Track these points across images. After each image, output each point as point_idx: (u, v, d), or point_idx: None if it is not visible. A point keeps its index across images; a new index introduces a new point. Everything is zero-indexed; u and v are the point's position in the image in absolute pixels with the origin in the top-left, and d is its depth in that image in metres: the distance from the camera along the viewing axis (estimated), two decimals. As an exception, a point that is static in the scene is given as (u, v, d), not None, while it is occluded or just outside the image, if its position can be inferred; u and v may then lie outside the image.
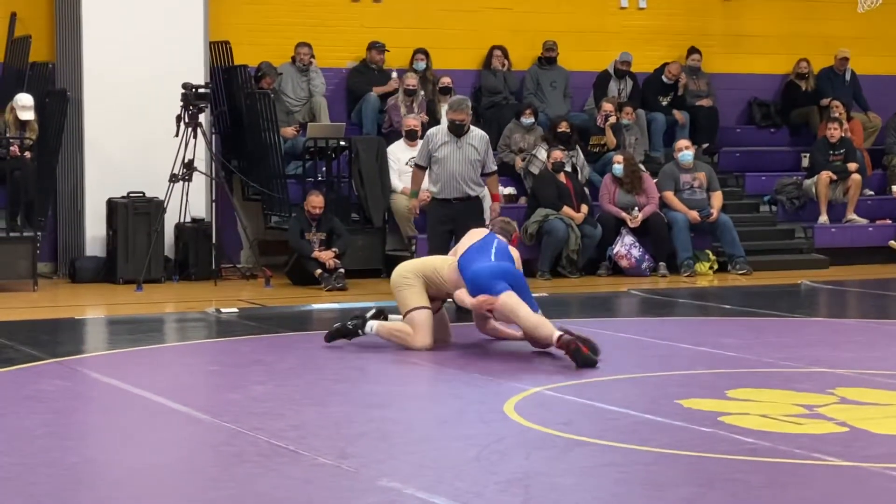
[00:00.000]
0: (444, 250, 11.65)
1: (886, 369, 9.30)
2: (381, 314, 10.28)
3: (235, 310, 12.43)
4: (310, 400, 8.33)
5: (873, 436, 7.28)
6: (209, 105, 15.09)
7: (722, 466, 6.64)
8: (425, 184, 12.84)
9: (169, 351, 10.53)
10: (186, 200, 14.80)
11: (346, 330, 10.18)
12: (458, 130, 12.16)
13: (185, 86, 14.62)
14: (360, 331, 10.15)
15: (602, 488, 6.29)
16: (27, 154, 14.52)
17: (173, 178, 14.59)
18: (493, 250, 9.97)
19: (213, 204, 15.24)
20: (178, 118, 14.59)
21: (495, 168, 12.55)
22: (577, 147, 16.51)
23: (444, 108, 16.72)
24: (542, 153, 16.05)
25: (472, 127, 12.37)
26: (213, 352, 10.60)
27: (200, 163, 14.87)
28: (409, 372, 9.35)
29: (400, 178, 15.69)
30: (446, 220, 12.25)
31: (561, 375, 9.11)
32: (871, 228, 17.35)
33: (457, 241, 11.76)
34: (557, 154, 15.89)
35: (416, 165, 12.69)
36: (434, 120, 16.58)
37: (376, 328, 10.13)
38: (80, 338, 11.36)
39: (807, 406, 8.01)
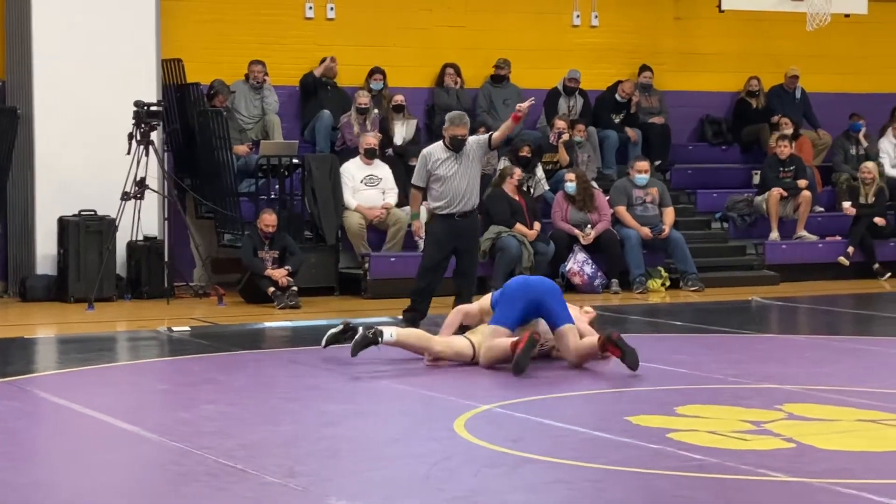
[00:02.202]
0: (442, 266, 12.13)
1: (834, 385, 9.38)
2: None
3: (187, 328, 12.40)
4: (260, 419, 8.32)
5: (819, 451, 7.34)
6: (161, 123, 15.05)
7: (669, 483, 6.68)
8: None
9: (119, 370, 10.48)
10: (139, 218, 14.77)
11: (367, 340, 9.91)
12: (459, 146, 12.11)
13: (136, 104, 14.59)
14: (379, 338, 9.91)
15: (550, 505, 6.33)
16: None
17: (125, 196, 14.56)
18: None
19: (166, 222, 15.21)
20: (130, 136, 14.55)
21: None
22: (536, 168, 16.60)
23: (396, 126, 16.83)
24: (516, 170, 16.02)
25: (469, 137, 12.31)
26: (164, 370, 10.57)
27: (153, 181, 14.83)
28: (361, 390, 9.35)
29: (354, 195, 15.71)
30: (451, 237, 12.19)
31: (511, 392, 9.13)
32: (821, 245, 17.48)
33: (458, 260, 12.06)
34: (519, 173, 15.92)
35: (415, 186, 12.52)
36: (387, 137, 16.62)
37: (396, 336, 10.02)
38: (29, 357, 11.29)
39: (754, 422, 8.07)
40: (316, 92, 17.01)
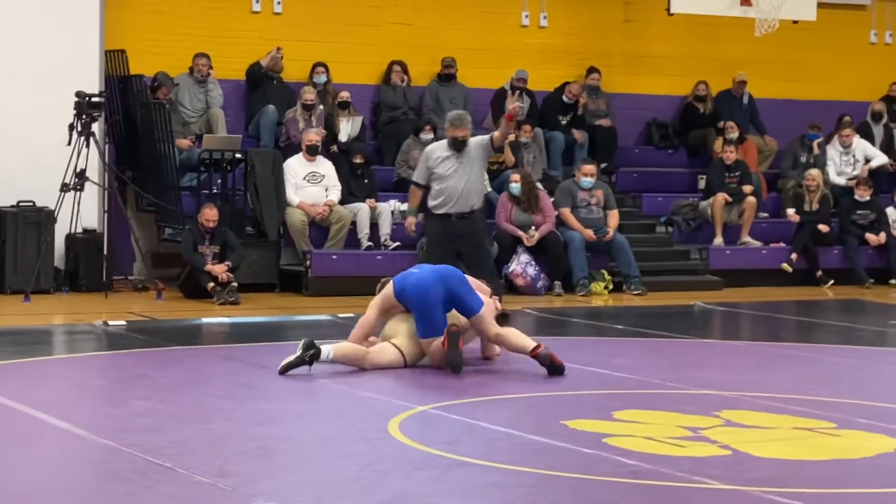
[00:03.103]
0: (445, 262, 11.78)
1: (772, 392, 9.34)
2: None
3: (123, 322, 12.23)
4: (192, 416, 8.20)
5: (755, 459, 7.28)
6: (103, 114, 14.87)
7: (602, 489, 6.61)
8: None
9: (53, 364, 10.32)
10: (78, 211, 14.57)
11: (302, 362, 9.61)
12: (460, 147, 12.04)
13: (78, 94, 14.41)
14: (319, 356, 9.63)
15: (481, 510, 6.24)
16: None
17: (64, 188, 14.37)
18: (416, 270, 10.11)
19: (106, 215, 15.02)
20: (71, 127, 14.37)
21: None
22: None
23: (341, 122, 16.71)
24: None
25: (472, 139, 12.20)
26: (98, 365, 10.42)
27: (93, 172, 14.65)
28: (296, 389, 9.23)
29: (296, 192, 15.58)
30: (450, 238, 12.15)
31: (448, 394, 9.05)
32: (765, 251, 17.49)
33: (465, 262, 11.99)
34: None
35: (415, 184, 12.47)
36: (332, 134, 16.49)
37: (333, 353, 9.75)
38: None
39: (691, 428, 8.01)
40: (261, 86, 16.86)
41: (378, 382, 9.42)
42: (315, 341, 9.61)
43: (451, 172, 12.04)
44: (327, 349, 9.62)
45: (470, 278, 10.15)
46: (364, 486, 6.53)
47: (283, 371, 9.47)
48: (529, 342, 9.95)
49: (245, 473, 6.73)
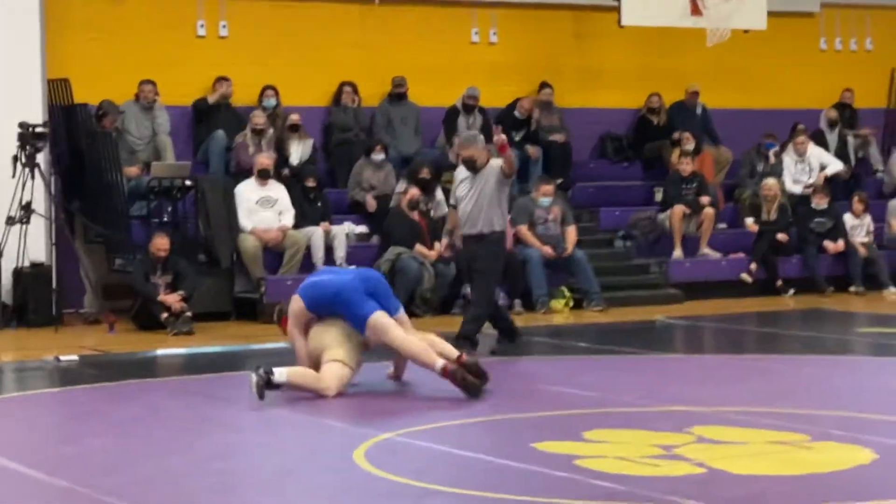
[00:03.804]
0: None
1: (743, 405, 9.14)
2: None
3: (75, 357, 11.93)
4: (150, 452, 7.91)
5: (731, 476, 7.08)
6: (47, 145, 14.56)
7: (579, 514, 6.39)
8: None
9: (1, 403, 9.97)
10: (25, 244, 14.26)
11: (263, 380, 9.39)
12: (471, 167, 11.82)
13: (21, 125, 14.13)
14: (271, 377, 9.38)
15: (454, 541, 5.99)
16: None
17: (10, 221, 14.07)
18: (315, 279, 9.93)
19: (54, 247, 14.69)
20: (15, 158, 14.08)
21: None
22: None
23: (292, 146, 16.47)
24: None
25: (492, 161, 11.88)
26: (49, 402, 10.12)
27: (39, 204, 14.35)
28: (256, 419, 8.96)
29: (249, 217, 15.31)
30: (467, 258, 11.99)
31: (413, 419, 8.83)
32: (724, 262, 17.34)
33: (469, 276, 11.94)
34: (414, 192, 15.65)
35: (450, 206, 12.41)
36: (283, 158, 16.24)
37: (287, 376, 9.50)
38: None
39: (664, 446, 7.80)
40: (209, 113, 16.59)
41: (340, 409, 9.18)
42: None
43: (465, 194, 11.87)
44: (280, 370, 9.39)
45: None
46: (332, 521, 6.28)
47: (261, 396, 9.28)
48: (436, 359, 9.61)
49: (209, 511, 6.47)
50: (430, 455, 7.77)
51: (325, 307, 9.70)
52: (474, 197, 11.80)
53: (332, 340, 9.62)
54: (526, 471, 7.25)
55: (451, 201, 12.31)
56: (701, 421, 8.61)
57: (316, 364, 9.69)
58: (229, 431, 8.51)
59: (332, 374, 9.56)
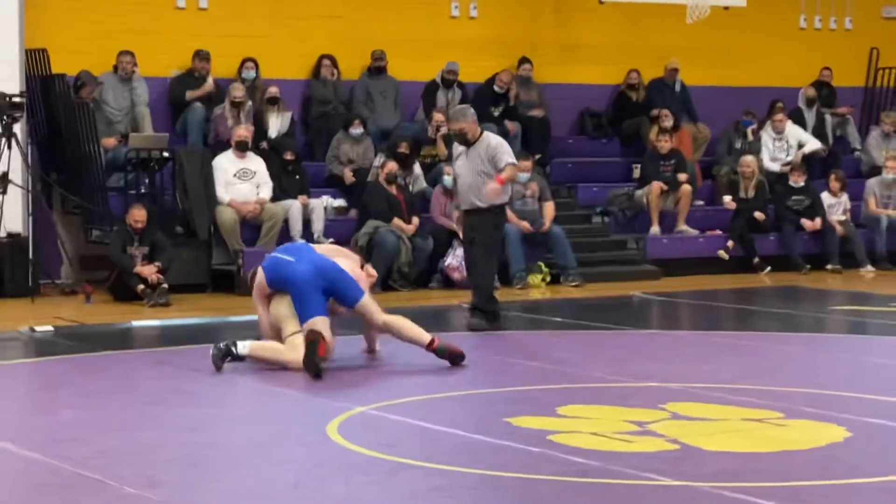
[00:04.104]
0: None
1: (717, 382, 9.16)
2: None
3: (51, 328, 11.87)
4: (120, 424, 7.88)
5: (704, 453, 7.09)
6: (24, 115, 14.47)
7: (549, 488, 6.39)
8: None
9: (-25, 373, 9.95)
10: (1, 214, 14.19)
11: (223, 352, 9.52)
12: (461, 140, 11.82)
13: (-2, 94, 14.04)
14: (232, 349, 9.51)
15: (425, 515, 5.98)
16: None
17: (-13, 191, 14.00)
18: (279, 255, 9.92)
19: (30, 218, 14.63)
20: (-8, 128, 14.00)
21: (508, 161, 11.70)
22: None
23: (271, 118, 16.40)
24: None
25: (486, 134, 11.92)
26: (21, 373, 10.07)
27: (16, 175, 14.26)
28: (228, 392, 8.95)
29: (227, 189, 15.25)
30: (467, 229, 11.99)
31: (388, 393, 8.82)
32: (701, 239, 17.35)
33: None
34: (392, 166, 15.61)
35: (454, 180, 12.40)
36: (260, 130, 16.18)
37: (249, 348, 9.58)
38: None
39: (638, 423, 7.81)
40: (187, 84, 16.52)
41: (314, 382, 9.15)
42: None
43: (459, 168, 11.90)
44: (244, 343, 9.46)
45: (351, 268, 9.91)
46: (302, 494, 6.27)
47: (218, 367, 9.34)
48: (424, 335, 9.82)
49: (176, 483, 6.46)
50: (403, 429, 7.77)
51: (281, 289, 9.70)
52: (468, 172, 11.79)
53: (289, 311, 9.60)
54: (499, 446, 7.25)
55: (453, 176, 12.31)
56: (675, 397, 8.62)
57: (277, 333, 9.70)
58: (201, 404, 8.48)
59: (295, 347, 9.54)
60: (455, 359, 9.77)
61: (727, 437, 7.47)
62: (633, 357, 10.64)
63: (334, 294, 9.62)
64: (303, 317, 9.47)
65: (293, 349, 9.49)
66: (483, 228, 11.79)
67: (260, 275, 9.87)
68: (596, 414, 8.13)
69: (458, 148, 12.07)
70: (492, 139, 11.94)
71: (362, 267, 10.29)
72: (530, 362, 10.14)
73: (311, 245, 10.23)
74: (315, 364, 9.20)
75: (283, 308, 9.63)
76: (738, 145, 18.62)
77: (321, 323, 9.43)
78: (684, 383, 9.16)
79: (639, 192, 17.44)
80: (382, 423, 7.94)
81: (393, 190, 15.55)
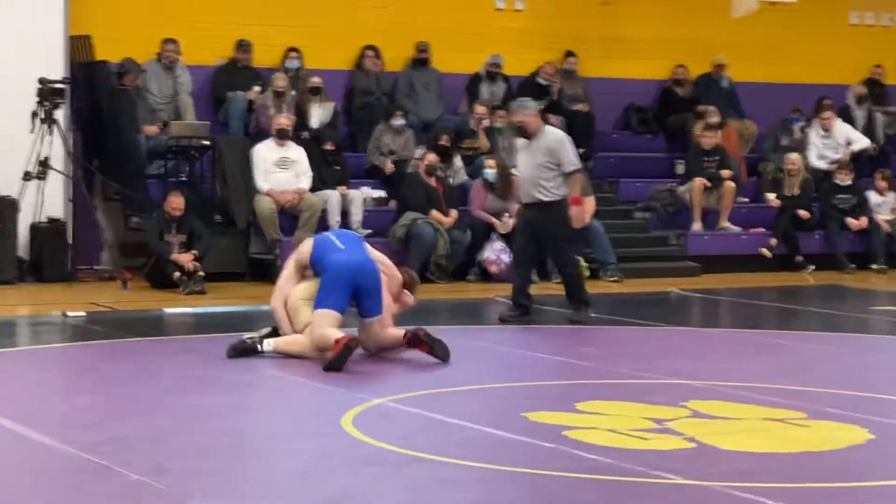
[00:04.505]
0: (523, 251, 12.00)
1: (745, 381, 9.04)
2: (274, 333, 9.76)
3: (83, 313, 11.90)
4: (137, 411, 7.87)
5: (720, 452, 6.99)
6: (66, 101, 14.51)
7: (558, 484, 6.32)
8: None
9: (2, 357, 9.95)
10: (42, 200, 14.25)
11: (245, 347, 9.55)
12: (521, 133, 11.80)
13: (40, 81, 14.13)
14: (258, 346, 9.52)
15: (429, 509, 5.93)
16: None
17: (27, 177, 14.05)
18: (334, 237, 9.88)
19: (70, 203, 14.69)
20: (34, 114, 14.05)
21: (571, 168, 11.74)
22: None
23: (313, 109, 16.39)
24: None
25: (548, 128, 11.94)
26: (48, 358, 10.08)
27: (57, 161, 14.32)
28: (250, 381, 8.91)
29: (266, 178, 15.25)
30: (526, 224, 11.98)
31: (406, 385, 8.77)
32: (744, 236, 17.21)
33: (540, 245, 11.89)
34: (431, 158, 15.58)
35: (514, 173, 12.42)
36: (302, 121, 16.18)
37: (273, 345, 9.56)
38: None
39: (657, 420, 7.71)
40: (230, 74, 16.54)
41: (336, 374, 9.09)
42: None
43: (521, 161, 11.87)
44: (268, 341, 9.43)
45: (386, 284, 9.80)
46: (306, 485, 6.23)
47: (231, 355, 9.36)
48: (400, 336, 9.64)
49: (183, 471, 6.43)
50: (419, 422, 7.71)
51: (317, 269, 9.65)
52: (529, 165, 11.75)
53: (310, 299, 9.54)
54: (512, 440, 7.19)
55: (514, 169, 12.30)
56: (698, 395, 8.52)
57: (287, 309, 9.68)
58: (221, 392, 8.44)
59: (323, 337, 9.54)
60: (434, 344, 9.50)
61: (745, 437, 7.36)
62: (663, 354, 10.53)
63: (359, 297, 9.51)
64: (321, 303, 9.39)
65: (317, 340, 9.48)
66: (549, 224, 11.75)
67: (307, 245, 9.81)
68: (615, 410, 8.04)
69: (520, 141, 11.99)
70: (555, 134, 11.94)
71: (400, 292, 10.13)
72: (556, 357, 10.06)
73: (366, 243, 10.02)
74: (338, 368, 9.13)
75: (306, 292, 9.57)
76: (784, 142, 18.46)
77: (330, 318, 9.35)
78: (710, 381, 9.04)
79: (681, 188, 17.32)
80: (398, 415, 7.88)
81: (432, 182, 15.51)
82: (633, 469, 6.52)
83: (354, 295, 9.48)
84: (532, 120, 11.81)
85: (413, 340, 9.50)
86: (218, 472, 6.44)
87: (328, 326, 9.27)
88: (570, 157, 11.78)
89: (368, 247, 9.96)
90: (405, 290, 10.08)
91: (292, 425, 7.59)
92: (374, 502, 5.99)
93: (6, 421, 7.40)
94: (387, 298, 9.74)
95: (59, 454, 6.68)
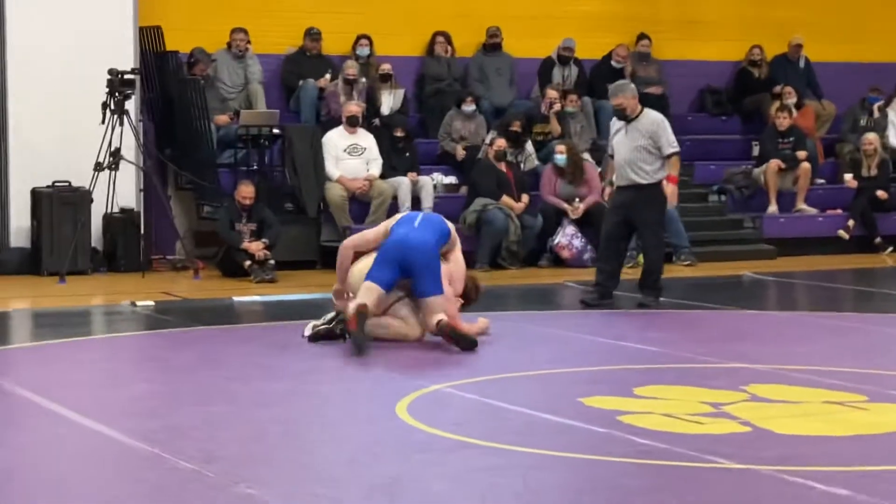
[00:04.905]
0: (613, 235, 11.87)
1: (809, 364, 8.92)
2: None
3: (151, 303, 11.99)
4: (194, 399, 7.92)
5: (774, 436, 6.91)
6: (137, 91, 14.61)
7: (607, 470, 6.27)
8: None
9: (66, 347, 9.98)
10: (114, 190, 14.36)
11: (332, 333, 9.60)
12: (620, 116, 11.81)
13: (111, 71, 14.18)
14: (346, 335, 9.52)
15: (472, 494, 5.88)
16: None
17: (98, 167, 14.16)
18: (420, 217, 9.85)
19: (142, 193, 14.81)
20: (104, 105, 14.15)
21: (671, 151, 11.66)
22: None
23: (384, 95, 16.38)
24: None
25: (647, 111, 11.90)
26: (111, 347, 10.15)
27: (129, 151, 14.42)
28: (310, 368, 8.92)
29: (336, 165, 15.27)
30: (619, 206, 11.91)
31: (466, 371, 8.73)
32: (821, 218, 16.98)
33: (630, 229, 11.87)
34: (501, 143, 15.52)
35: (608, 155, 12.37)
36: (373, 107, 16.19)
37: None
38: None
39: (714, 404, 7.63)
40: (300, 62, 16.59)
41: (397, 359, 9.10)
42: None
43: (617, 143, 11.83)
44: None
45: (447, 272, 9.73)
46: (354, 471, 6.22)
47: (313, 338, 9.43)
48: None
49: (234, 458, 6.44)
50: (473, 407, 7.69)
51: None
52: (622, 147, 11.70)
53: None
54: (565, 425, 7.14)
55: (609, 151, 12.28)
56: (759, 379, 8.42)
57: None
58: (279, 380, 8.46)
59: (394, 326, 9.57)
60: (461, 340, 9.42)
61: (802, 421, 7.27)
62: (728, 337, 10.43)
63: (412, 275, 9.47)
64: (367, 276, 9.44)
65: (411, 326, 9.58)
66: (643, 208, 11.70)
67: (396, 218, 9.92)
68: (673, 395, 7.96)
69: (615, 123, 11.94)
70: (654, 116, 11.88)
71: (463, 291, 9.99)
72: (621, 342, 9.98)
73: (451, 236, 9.90)
74: (358, 348, 9.13)
75: (362, 284, 9.58)
76: (863, 122, 18.19)
77: (368, 290, 9.35)
78: (774, 365, 8.92)
79: (756, 170, 17.13)
80: (454, 401, 7.87)
81: (503, 167, 15.45)
82: (685, 454, 6.46)
83: (406, 272, 9.45)
84: (631, 103, 11.79)
85: (440, 331, 9.43)
86: (267, 460, 6.44)
87: (362, 299, 9.27)
88: (670, 138, 11.77)
89: (454, 243, 9.87)
90: (460, 298, 9.97)
91: (347, 412, 7.59)
92: (418, 488, 5.97)
93: (62, 409, 7.48)
94: (448, 290, 9.69)
95: (111, 441, 6.73)
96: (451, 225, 10.01)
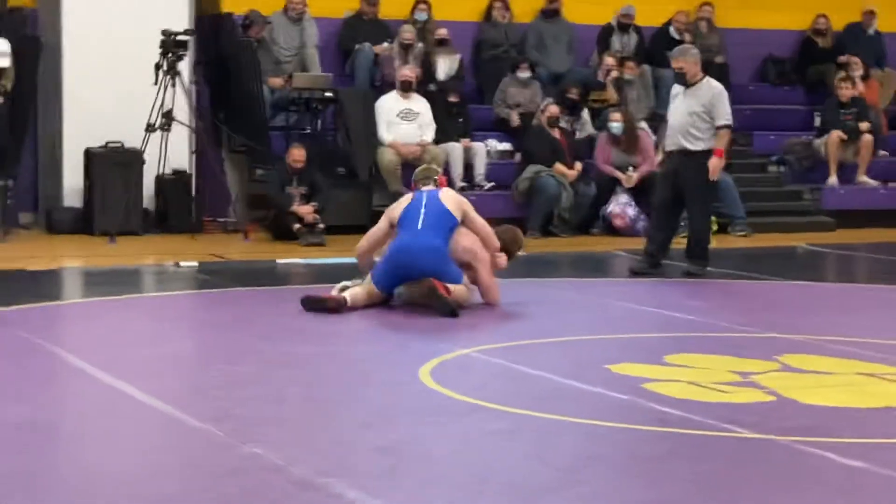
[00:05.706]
0: (665, 204, 11.73)
1: (849, 335, 8.75)
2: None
3: (195, 263, 11.98)
4: (219, 359, 7.89)
5: (798, 406, 6.78)
6: (190, 53, 14.60)
7: (621, 436, 6.18)
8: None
9: (105, 305, 9.98)
10: (166, 152, 14.37)
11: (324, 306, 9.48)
12: (679, 79, 11.65)
13: (164, 32, 14.19)
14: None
15: (479, 458, 5.79)
16: (0, 100, 14.13)
17: (150, 128, 14.17)
18: (422, 211, 9.57)
19: (194, 155, 14.82)
20: (157, 66, 14.16)
21: (723, 122, 11.48)
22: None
23: (440, 61, 16.28)
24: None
25: (708, 79, 11.73)
26: (147, 306, 10.15)
27: (182, 112, 14.41)
28: (339, 331, 8.85)
29: (389, 129, 15.19)
30: (669, 173, 11.77)
31: (497, 336, 8.66)
32: (882, 191, 16.71)
33: (680, 195, 11.65)
34: (553, 109, 15.39)
35: (665, 120, 12.29)
36: (429, 72, 16.09)
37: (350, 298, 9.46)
38: (19, 289, 10.61)
39: (742, 373, 7.51)
40: (356, 26, 16.52)
41: (427, 325, 9.02)
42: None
43: (673, 108, 11.70)
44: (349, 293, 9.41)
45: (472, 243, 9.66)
46: (363, 434, 6.15)
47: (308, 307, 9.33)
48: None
49: (245, 418, 6.39)
50: (498, 371, 7.61)
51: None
52: (678, 112, 11.57)
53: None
54: (586, 391, 7.05)
55: (668, 116, 12.13)
56: (793, 349, 8.30)
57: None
58: (308, 341, 8.41)
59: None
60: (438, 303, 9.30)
61: (829, 391, 7.12)
62: (770, 307, 10.27)
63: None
64: (373, 274, 9.63)
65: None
66: (692, 177, 11.51)
67: (401, 206, 9.82)
68: (703, 363, 7.84)
69: (675, 88, 11.80)
70: (714, 85, 11.68)
71: (495, 256, 9.85)
72: (660, 310, 9.85)
73: (454, 222, 9.69)
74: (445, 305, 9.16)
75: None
76: (930, 94, 17.89)
77: (361, 289, 9.54)
78: (810, 335, 8.78)
79: (817, 141, 16.87)
80: (478, 365, 7.79)
81: (556, 134, 15.32)
82: (703, 422, 6.35)
83: (408, 277, 9.40)
84: (691, 67, 11.60)
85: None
86: (280, 421, 6.39)
87: (352, 294, 9.35)
88: (726, 110, 11.57)
89: (462, 227, 9.71)
90: (502, 253, 9.88)
91: (369, 375, 7.53)
92: (422, 451, 5.90)
93: (86, 366, 7.47)
94: (483, 254, 9.64)
95: (127, 400, 6.70)
96: (454, 197, 9.87)
